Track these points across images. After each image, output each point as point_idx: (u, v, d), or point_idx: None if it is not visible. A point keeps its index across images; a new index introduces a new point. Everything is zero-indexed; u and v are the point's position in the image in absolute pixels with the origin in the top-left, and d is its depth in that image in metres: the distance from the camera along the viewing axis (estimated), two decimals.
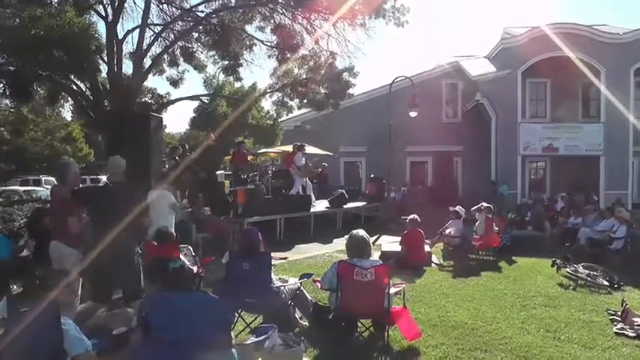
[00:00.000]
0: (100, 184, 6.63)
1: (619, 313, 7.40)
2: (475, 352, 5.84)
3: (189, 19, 19.36)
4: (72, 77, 16.64)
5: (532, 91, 26.90)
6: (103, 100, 17.21)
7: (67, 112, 38.88)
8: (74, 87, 17.23)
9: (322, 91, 21.32)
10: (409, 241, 11.61)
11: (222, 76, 23.51)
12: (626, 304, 7.42)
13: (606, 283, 9.76)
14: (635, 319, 7.02)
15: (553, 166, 27.26)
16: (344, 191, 18.49)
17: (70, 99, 19.85)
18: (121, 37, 17.20)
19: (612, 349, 6.11)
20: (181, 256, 7.35)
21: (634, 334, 6.59)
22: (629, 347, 6.21)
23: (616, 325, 7.02)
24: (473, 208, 13.68)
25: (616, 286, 9.68)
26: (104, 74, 17.68)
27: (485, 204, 13.64)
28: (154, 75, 21.42)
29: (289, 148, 19.38)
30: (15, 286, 8.07)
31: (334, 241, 13.89)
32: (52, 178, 25.22)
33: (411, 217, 12.09)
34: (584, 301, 8.61)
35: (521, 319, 7.32)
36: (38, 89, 18.21)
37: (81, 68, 15.05)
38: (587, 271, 10.11)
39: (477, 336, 6.41)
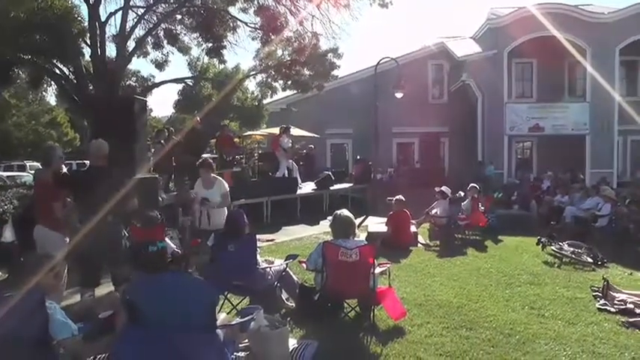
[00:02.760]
0: (84, 169, 6.62)
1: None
2: (460, 330, 5.91)
3: (172, 0, 19.17)
4: (54, 61, 16.45)
5: (518, 71, 27.00)
6: (87, 83, 17.04)
7: (50, 97, 38.58)
8: (57, 71, 17.05)
9: (306, 72, 21.25)
10: (395, 222, 11.65)
11: (206, 59, 23.39)
12: (606, 281, 7.54)
13: (590, 260, 9.91)
14: (615, 295, 7.15)
15: (539, 146, 27.44)
16: (330, 173, 18.49)
17: (53, 83, 19.65)
18: (103, 19, 16.96)
19: (595, 325, 6.23)
20: (167, 240, 7.36)
21: (615, 310, 6.72)
22: (611, 322, 6.34)
23: (599, 302, 7.14)
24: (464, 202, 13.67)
25: (600, 263, 9.85)
26: (87, 57, 17.49)
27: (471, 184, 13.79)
28: (137, 58, 21.28)
29: (275, 130, 19.33)
30: (0, 272, 8.09)
31: (321, 222, 13.89)
32: (37, 164, 25.07)
33: (397, 197, 12.14)
34: (568, 278, 8.74)
35: (506, 297, 7.42)
36: (20, 73, 18.02)
37: (63, 52, 14.89)
38: (571, 249, 10.26)
39: (462, 314, 6.49)
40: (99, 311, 4.61)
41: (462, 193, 13.96)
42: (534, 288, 8.00)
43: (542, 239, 10.76)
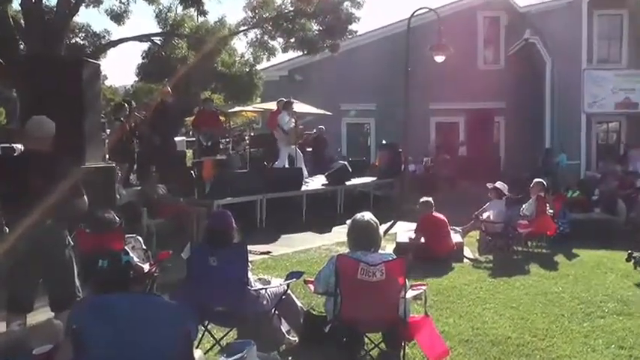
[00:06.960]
0: (16, 154, 6.58)
1: None
2: None
3: None
4: None
5: (602, 27, 26.59)
6: (17, 40, 17.06)
7: None
8: None
9: (315, 27, 21.22)
10: (426, 227, 11.73)
11: (180, 9, 23.38)
12: None
13: None
14: None
15: (630, 127, 27.23)
16: (346, 163, 18.52)
17: None
18: None
19: None
20: (128, 249, 7.35)
21: None
22: None
23: None
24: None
25: None
26: (17, 6, 17.52)
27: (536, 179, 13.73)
28: (87, 7, 21.28)
29: (273, 105, 19.35)
30: None
31: (333, 229, 13.97)
32: None
33: (423, 199, 12.19)
34: None
35: (584, 332, 7.37)
36: None
37: None
38: None
39: (524, 354, 6.47)
40: (33, 345, 4.61)
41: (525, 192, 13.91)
42: (623, 320, 7.94)
43: (634, 254, 10.68)
